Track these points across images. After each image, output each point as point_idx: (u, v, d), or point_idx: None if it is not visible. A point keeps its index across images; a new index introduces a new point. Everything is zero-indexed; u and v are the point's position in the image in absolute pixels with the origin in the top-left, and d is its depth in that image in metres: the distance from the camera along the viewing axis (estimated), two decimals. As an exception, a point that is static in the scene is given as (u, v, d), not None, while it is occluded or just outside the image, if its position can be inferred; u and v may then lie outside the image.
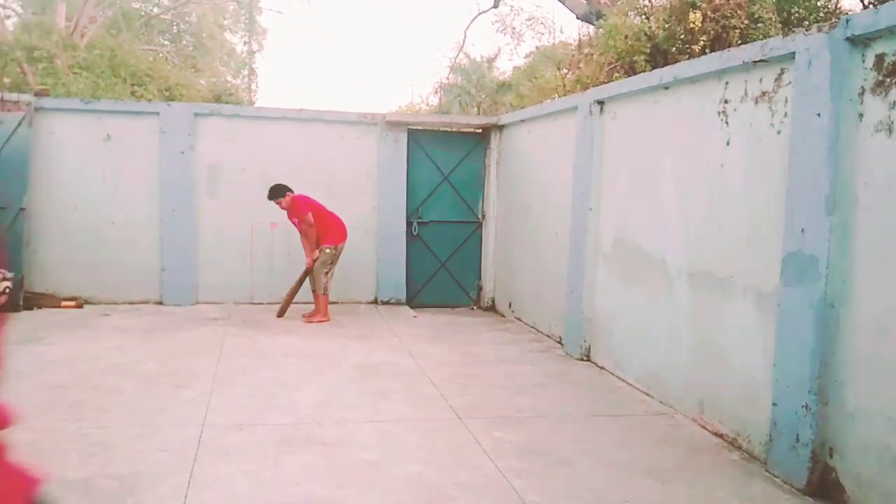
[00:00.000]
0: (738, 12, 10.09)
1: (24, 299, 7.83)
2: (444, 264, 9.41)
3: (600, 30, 11.50)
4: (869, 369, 3.43)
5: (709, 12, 10.16)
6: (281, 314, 8.01)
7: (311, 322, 7.79)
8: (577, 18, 14.75)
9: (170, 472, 3.70)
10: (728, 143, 4.54)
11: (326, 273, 7.87)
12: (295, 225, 7.95)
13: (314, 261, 7.82)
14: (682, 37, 10.37)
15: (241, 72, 25.79)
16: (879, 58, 3.43)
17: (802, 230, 3.75)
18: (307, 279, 8.01)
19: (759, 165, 4.26)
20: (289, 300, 8.05)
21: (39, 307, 7.95)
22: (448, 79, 23.96)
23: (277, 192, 7.75)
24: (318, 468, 3.83)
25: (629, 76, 8.57)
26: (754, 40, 7.15)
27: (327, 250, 7.83)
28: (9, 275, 6.88)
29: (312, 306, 8.06)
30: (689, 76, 4.94)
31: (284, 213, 7.90)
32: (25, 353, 6.02)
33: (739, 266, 4.41)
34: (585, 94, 6.61)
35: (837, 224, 3.58)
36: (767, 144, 4.19)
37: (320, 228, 7.82)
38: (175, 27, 23.36)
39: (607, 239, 6.19)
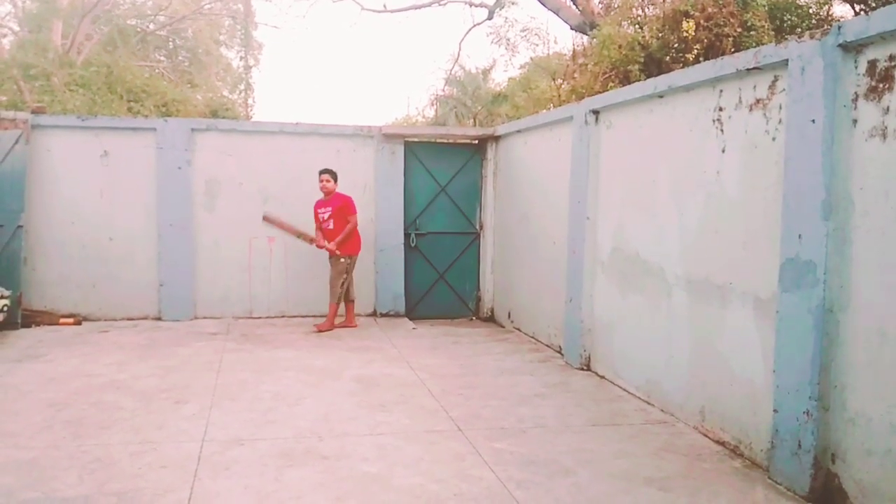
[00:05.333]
0: (731, 20, 10.16)
1: (23, 317, 7.80)
2: (442, 275, 9.41)
3: (594, 40, 11.58)
4: (869, 374, 3.43)
5: (702, 21, 10.23)
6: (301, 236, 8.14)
7: (322, 331, 7.90)
8: (572, 29, 14.85)
9: (170, 488, 3.68)
10: (723, 151, 4.56)
11: (342, 284, 7.96)
12: (322, 215, 7.98)
13: (326, 247, 7.87)
14: (676, 46, 10.44)
15: (237, 87, 25.89)
16: (872, 64, 3.45)
17: (799, 236, 3.76)
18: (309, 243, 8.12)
19: (755, 172, 4.27)
20: (292, 230, 8.15)
21: (38, 324, 7.92)
22: (444, 91, 24.08)
23: (329, 171, 7.95)
24: (319, 482, 3.82)
25: (624, 85, 8.61)
26: (747, 48, 7.19)
27: (343, 260, 7.92)
28: (7, 292, 6.89)
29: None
30: (683, 84, 4.96)
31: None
32: (24, 371, 6.00)
33: (737, 273, 4.41)
34: (580, 104, 6.64)
35: (834, 229, 3.59)
36: (763, 151, 4.21)
37: (349, 236, 7.96)
38: (171, 43, 23.48)
39: (605, 248, 6.19)
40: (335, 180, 7.97)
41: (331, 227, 7.93)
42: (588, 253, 6.39)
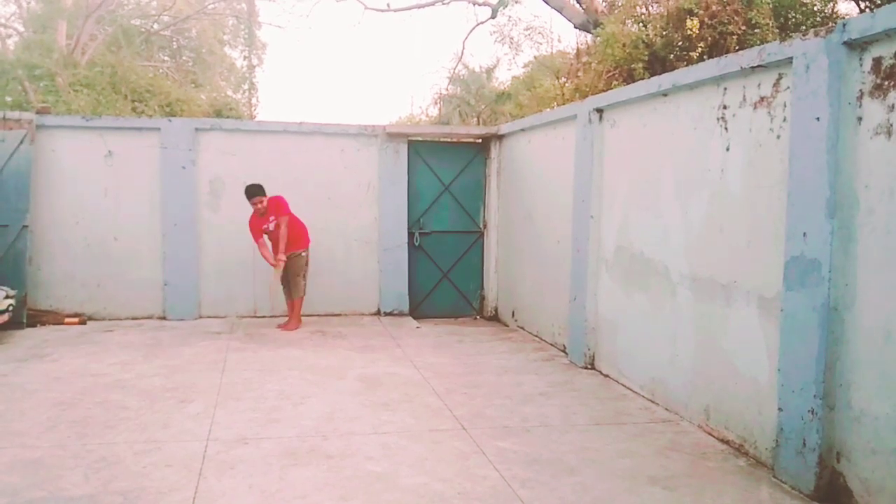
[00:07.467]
0: (736, 18, 10.13)
1: (28, 316, 7.83)
2: (446, 274, 9.41)
3: (598, 38, 11.56)
4: (874, 372, 3.42)
5: (706, 19, 10.21)
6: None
7: (288, 330, 7.93)
8: (575, 27, 14.82)
9: (175, 488, 3.70)
10: (728, 149, 4.55)
11: (304, 276, 8.01)
12: (267, 230, 7.83)
13: (282, 260, 7.77)
14: (680, 44, 10.42)
15: (241, 86, 25.89)
16: (877, 61, 3.44)
17: (804, 234, 3.75)
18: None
19: (760, 170, 4.26)
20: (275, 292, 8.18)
21: (43, 324, 7.95)
22: (447, 89, 24.10)
23: (260, 191, 7.73)
24: (324, 481, 3.82)
25: (628, 84, 8.60)
26: (752, 46, 7.17)
27: (303, 254, 7.97)
28: (12, 292, 6.91)
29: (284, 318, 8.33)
30: (687, 83, 4.95)
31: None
32: (29, 370, 6.02)
33: (742, 271, 4.40)
34: (584, 103, 6.63)
35: (839, 227, 3.58)
36: (767, 149, 4.19)
37: (294, 233, 7.89)
38: (175, 43, 23.51)
39: (609, 246, 6.19)
40: (264, 194, 7.74)
41: None
42: (592, 251, 6.38)
